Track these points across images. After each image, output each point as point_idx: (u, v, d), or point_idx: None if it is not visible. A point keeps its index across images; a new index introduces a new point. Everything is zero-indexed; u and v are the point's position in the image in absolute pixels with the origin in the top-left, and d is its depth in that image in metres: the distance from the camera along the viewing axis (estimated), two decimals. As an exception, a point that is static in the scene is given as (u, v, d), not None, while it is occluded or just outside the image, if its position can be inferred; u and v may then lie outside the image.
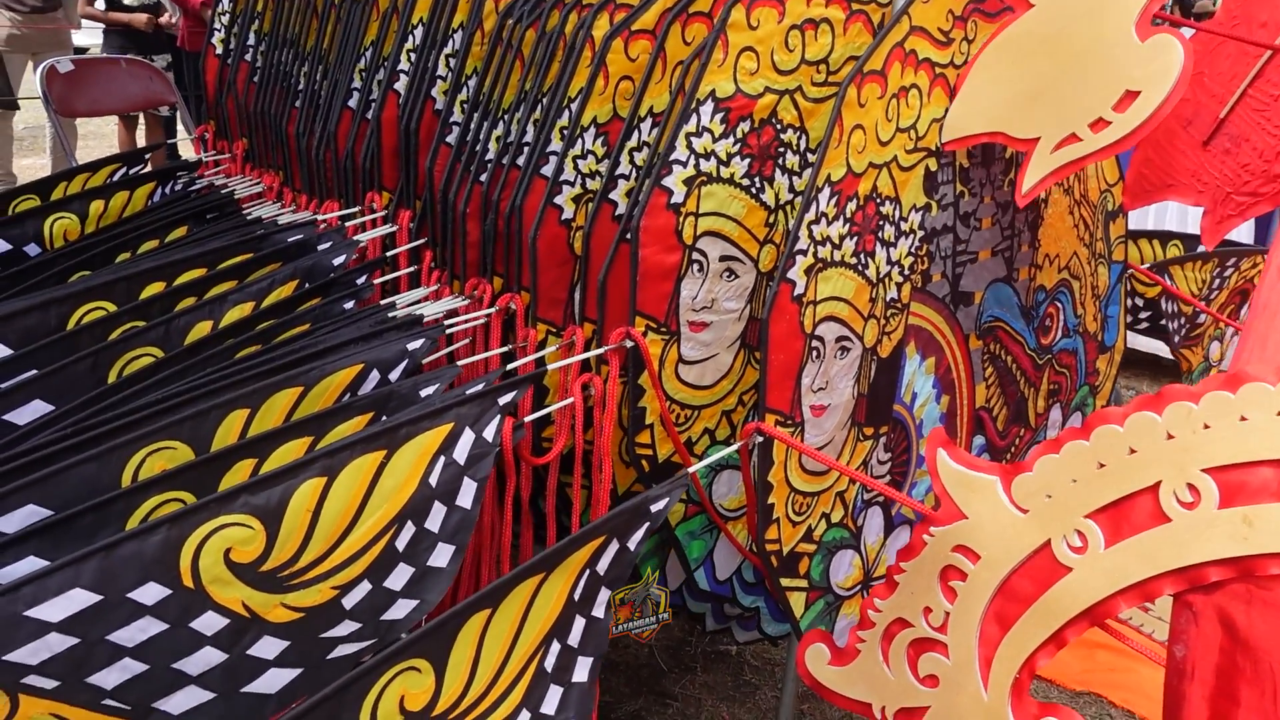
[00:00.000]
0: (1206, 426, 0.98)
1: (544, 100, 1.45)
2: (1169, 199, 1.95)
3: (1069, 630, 1.07)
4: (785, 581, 1.34)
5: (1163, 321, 2.25)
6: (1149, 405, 1.01)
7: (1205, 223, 1.82)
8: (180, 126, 4.83)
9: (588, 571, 1.10)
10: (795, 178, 1.40)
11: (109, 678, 0.93)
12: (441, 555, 1.14)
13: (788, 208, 1.40)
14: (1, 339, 1.22)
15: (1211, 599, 1.01)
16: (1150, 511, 1.02)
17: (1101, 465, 1.04)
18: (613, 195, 1.33)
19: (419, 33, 1.67)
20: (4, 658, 0.87)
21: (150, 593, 0.93)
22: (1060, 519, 1.06)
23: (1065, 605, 1.06)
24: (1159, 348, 3.22)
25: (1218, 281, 2.22)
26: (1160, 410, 1.01)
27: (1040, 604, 1.07)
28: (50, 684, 0.90)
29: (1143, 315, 2.30)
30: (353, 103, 1.75)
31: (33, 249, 1.66)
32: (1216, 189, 1.83)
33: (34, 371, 1.18)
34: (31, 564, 0.97)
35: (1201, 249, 2.14)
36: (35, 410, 1.17)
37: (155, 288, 1.38)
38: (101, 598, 0.90)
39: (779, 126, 1.37)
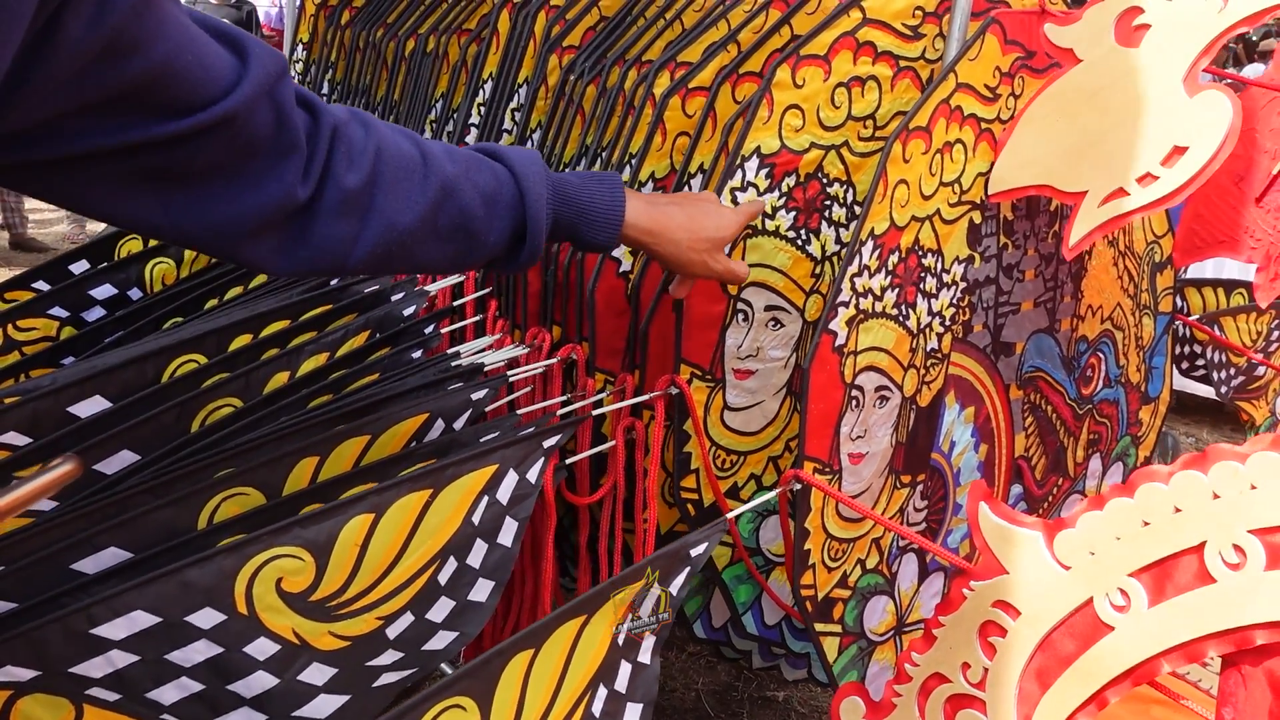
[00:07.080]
0: (1253, 487, 0.90)
1: (603, 154, 1.42)
2: (1220, 255, 1.82)
3: (1110, 690, 0.99)
4: (819, 626, 1.28)
5: (1210, 371, 2.12)
6: (1195, 464, 0.94)
7: (1258, 279, 1.71)
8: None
9: (630, 616, 1.05)
10: (842, 230, 1.35)
11: (167, 694, 0.94)
12: (481, 590, 1.12)
13: (834, 258, 1.35)
14: (102, 392, 1.22)
15: (1261, 662, 0.93)
16: (1195, 572, 0.95)
17: (1146, 524, 0.97)
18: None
19: (489, 87, 1.65)
20: (70, 670, 0.89)
21: (207, 617, 0.94)
22: (1103, 577, 0.99)
23: (1107, 665, 0.98)
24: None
25: (1278, 333, 2.08)
26: (1206, 470, 0.94)
27: (1081, 663, 0.99)
28: (112, 696, 0.92)
29: (1199, 362, 2.17)
30: (424, 154, 1.73)
31: (135, 293, 1.65)
32: (1270, 246, 1.71)
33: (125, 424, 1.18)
34: (110, 602, 0.98)
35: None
36: (123, 460, 1.16)
37: (243, 340, 1.36)
38: (160, 620, 0.92)
39: (825, 180, 1.32)
